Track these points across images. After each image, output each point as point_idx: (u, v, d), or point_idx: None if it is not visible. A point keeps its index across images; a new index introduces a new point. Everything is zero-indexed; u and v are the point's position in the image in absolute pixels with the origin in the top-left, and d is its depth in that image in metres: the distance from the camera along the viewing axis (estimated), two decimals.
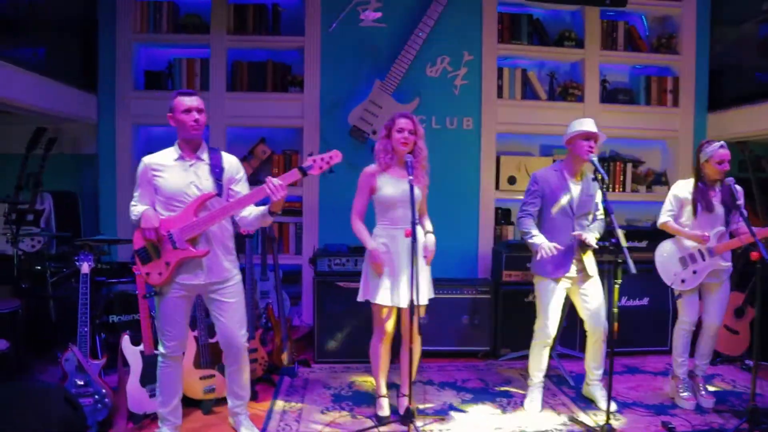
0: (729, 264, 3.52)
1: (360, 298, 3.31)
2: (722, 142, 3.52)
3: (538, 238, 3.30)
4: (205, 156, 2.83)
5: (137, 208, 2.77)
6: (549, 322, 3.43)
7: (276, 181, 2.62)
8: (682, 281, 3.53)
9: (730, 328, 4.35)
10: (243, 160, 4.78)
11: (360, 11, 4.80)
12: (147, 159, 2.80)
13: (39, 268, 4.03)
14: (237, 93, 4.85)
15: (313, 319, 4.27)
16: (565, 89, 4.96)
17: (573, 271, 3.38)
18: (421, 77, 4.84)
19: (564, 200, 3.36)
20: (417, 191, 3.19)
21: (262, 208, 2.79)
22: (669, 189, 3.76)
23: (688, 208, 3.54)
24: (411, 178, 2.97)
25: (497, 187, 4.92)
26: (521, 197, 3.57)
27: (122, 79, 4.79)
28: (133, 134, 4.86)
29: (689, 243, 3.53)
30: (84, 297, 3.25)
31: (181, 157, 2.77)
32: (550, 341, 3.50)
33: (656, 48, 5.10)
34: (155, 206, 2.78)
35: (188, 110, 2.73)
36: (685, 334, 3.58)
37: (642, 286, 4.43)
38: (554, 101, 4.99)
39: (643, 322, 4.50)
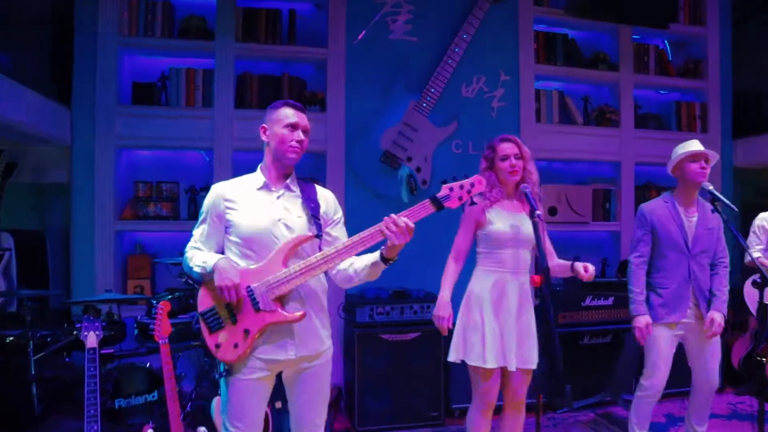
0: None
1: (453, 358, 2.71)
2: None
3: (641, 308, 2.90)
4: (295, 187, 2.16)
5: (202, 255, 2.07)
6: (659, 375, 2.99)
7: (403, 219, 1.97)
8: None
9: None
10: None
11: (389, 22, 4.26)
12: (220, 186, 2.14)
13: (12, 338, 3.02)
14: (246, 110, 4.11)
15: (351, 378, 3.60)
16: (601, 114, 4.67)
17: (690, 316, 2.98)
18: (456, 98, 4.37)
19: (677, 235, 2.97)
20: (530, 229, 2.68)
21: (370, 257, 2.11)
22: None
23: None
24: (539, 213, 2.44)
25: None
26: (563, 229, 3.15)
27: (104, 91, 3.89)
28: (116, 159, 3.97)
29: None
30: (92, 382, 2.42)
31: (266, 186, 2.11)
32: (659, 396, 3.06)
33: (683, 73, 4.96)
34: (224, 251, 2.11)
35: (293, 127, 2.09)
36: None
37: None
38: (589, 126, 4.68)
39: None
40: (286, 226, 2.06)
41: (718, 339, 3.04)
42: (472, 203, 2.08)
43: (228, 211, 2.06)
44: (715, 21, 4.99)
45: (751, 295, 3.41)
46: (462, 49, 4.23)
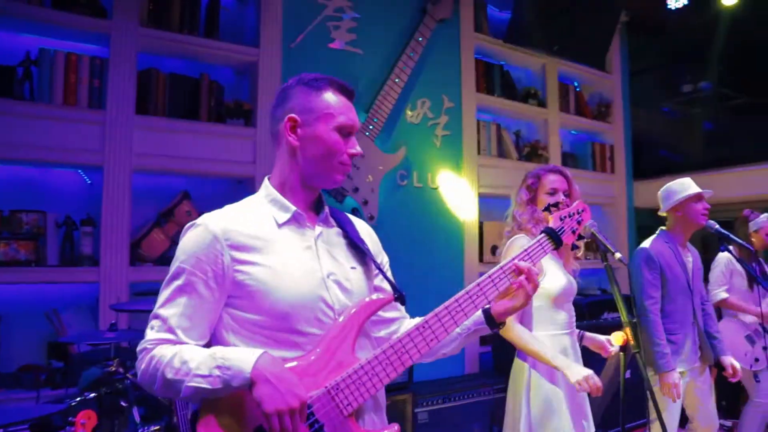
0: None
1: None
2: (767, 214, 3.47)
3: (671, 362, 2.64)
4: (332, 219, 1.42)
5: (201, 354, 1.16)
6: (674, 423, 2.76)
7: (527, 265, 1.34)
8: (756, 360, 3.27)
9: None
10: (156, 225, 3.10)
11: (331, 28, 3.61)
12: (216, 220, 1.27)
13: None
14: (152, 118, 3.09)
15: None
16: (533, 149, 4.53)
17: (697, 360, 2.80)
18: (402, 122, 3.85)
19: (684, 278, 2.80)
20: (574, 280, 2.27)
21: (471, 320, 1.41)
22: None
23: (736, 281, 3.38)
24: (620, 256, 2.00)
25: (480, 258, 4.13)
26: None
27: None
28: None
29: (750, 318, 3.31)
30: None
31: (294, 219, 1.33)
32: None
33: (596, 115, 5.08)
34: (224, 339, 1.26)
35: (350, 131, 1.35)
36: (761, 417, 3.31)
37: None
38: (522, 161, 4.49)
39: (629, 395, 4.20)
40: (341, 286, 1.31)
41: (711, 381, 2.93)
42: (580, 238, 1.56)
43: (240, 266, 1.22)
44: (618, 69, 5.24)
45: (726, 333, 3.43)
46: (410, 68, 3.75)
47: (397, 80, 3.69)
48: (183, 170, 3.18)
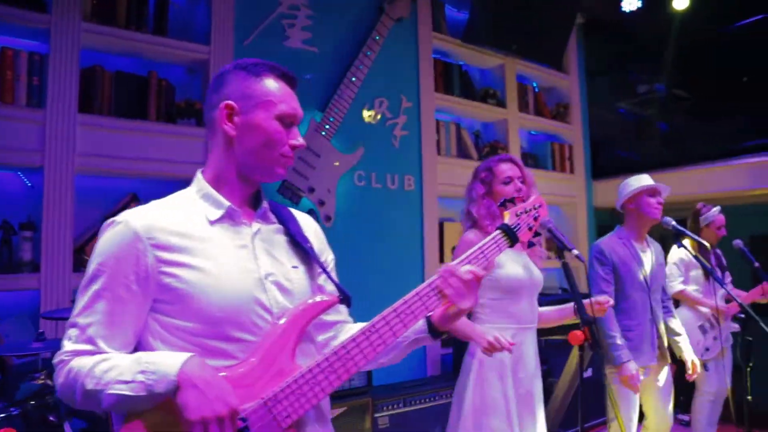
0: (737, 326, 3.46)
1: None
2: (719, 207, 3.54)
3: (626, 353, 2.64)
4: (271, 215, 1.34)
5: (123, 361, 1.08)
6: (633, 422, 2.77)
7: (468, 269, 1.25)
8: (707, 349, 3.33)
9: None
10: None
11: (286, 26, 3.53)
12: (138, 217, 1.17)
13: None
14: (96, 117, 2.95)
15: None
16: (493, 149, 4.53)
17: (654, 358, 2.82)
18: (359, 122, 3.79)
19: (639, 273, 2.81)
20: (540, 273, 2.26)
21: (411, 329, 1.35)
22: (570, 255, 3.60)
23: (693, 273, 3.44)
24: (577, 252, 1.97)
25: (441, 259, 4.10)
26: None
27: None
28: None
29: (704, 309, 3.38)
30: None
31: (229, 216, 1.24)
32: None
33: (555, 116, 5.12)
34: (152, 347, 1.16)
35: (291, 120, 1.25)
36: (711, 405, 3.38)
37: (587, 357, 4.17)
38: (482, 161, 4.46)
39: (590, 394, 4.23)
40: (280, 287, 1.23)
41: (671, 379, 2.95)
42: (536, 235, 1.53)
43: (166, 268, 1.14)
44: (575, 70, 5.29)
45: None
46: (367, 67, 3.70)
47: (353, 79, 3.63)
48: (131, 171, 3.05)
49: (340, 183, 3.61)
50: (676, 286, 3.43)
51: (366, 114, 3.82)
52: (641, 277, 2.82)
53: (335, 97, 3.57)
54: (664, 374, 2.90)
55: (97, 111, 2.98)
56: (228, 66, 1.30)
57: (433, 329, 1.34)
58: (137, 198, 3.10)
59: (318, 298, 1.25)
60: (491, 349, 1.90)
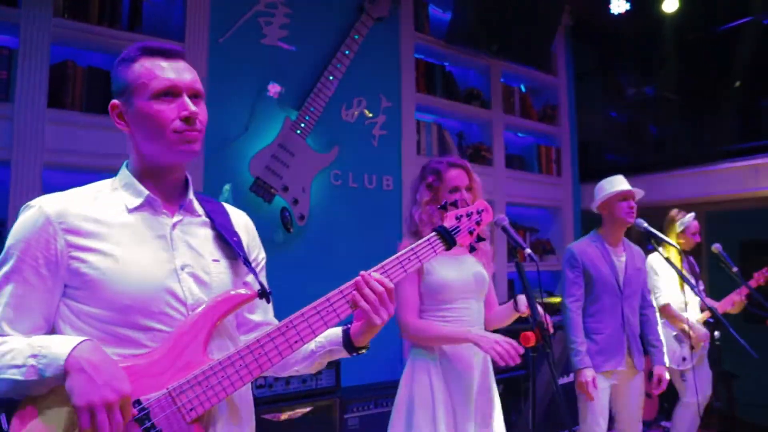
0: (717, 334, 3.42)
1: None
2: (693, 213, 3.50)
3: (585, 360, 2.62)
4: (198, 206, 1.32)
5: (17, 343, 1.05)
6: (600, 424, 2.73)
7: (378, 281, 1.26)
8: (683, 359, 3.29)
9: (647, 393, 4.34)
10: None
11: (263, 24, 3.52)
12: (51, 203, 1.16)
13: None
14: (65, 112, 2.95)
15: None
16: (476, 151, 4.50)
17: (623, 363, 2.78)
18: (337, 121, 3.77)
19: (611, 277, 2.78)
20: (485, 273, 2.22)
21: (324, 338, 1.35)
22: (556, 258, 3.54)
23: (671, 282, 3.40)
24: (529, 252, 1.94)
25: None
26: None
27: None
28: None
29: (677, 316, 3.34)
30: None
31: (148, 204, 1.23)
32: None
33: (542, 118, 5.09)
34: (62, 332, 1.15)
35: (169, 89, 1.19)
36: (691, 415, 3.33)
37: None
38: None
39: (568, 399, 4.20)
40: (197, 279, 1.21)
41: (643, 387, 2.91)
42: (479, 239, 1.51)
43: (76, 253, 1.13)
44: (563, 72, 5.26)
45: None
46: (345, 66, 3.68)
47: (331, 77, 3.62)
48: (102, 167, 3.02)
49: (316, 182, 3.59)
50: (661, 299, 3.39)
51: (344, 113, 3.80)
52: (613, 281, 2.79)
53: (312, 96, 3.55)
54: (636, 381, 2.86)
55: (68, 106, 2.98)
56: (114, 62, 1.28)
57: (349, 343, 1.33)
58: None
59: (233, 292, 1.23)
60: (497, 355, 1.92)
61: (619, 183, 2.87)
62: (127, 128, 1.23)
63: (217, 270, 1.26)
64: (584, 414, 2.73)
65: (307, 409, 2.89)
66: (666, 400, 4.60)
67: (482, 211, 1.50)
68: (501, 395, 2.22)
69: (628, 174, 4.70)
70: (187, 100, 1.20)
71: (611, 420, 2.90)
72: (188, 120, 1.19)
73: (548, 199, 5.00)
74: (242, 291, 1.24)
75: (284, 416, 2.80)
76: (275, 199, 3.40)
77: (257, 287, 1.30)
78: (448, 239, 1.40)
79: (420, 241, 1.38)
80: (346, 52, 3.72)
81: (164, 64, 1.21)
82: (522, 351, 1.96)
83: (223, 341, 1.23)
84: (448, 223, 1.44)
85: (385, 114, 4.00)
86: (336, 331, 1.34)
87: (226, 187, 3.28)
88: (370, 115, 3.88)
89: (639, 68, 5.18)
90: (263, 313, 1.40)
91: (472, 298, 2.16)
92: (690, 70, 4.93)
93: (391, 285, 1.26)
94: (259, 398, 2.78)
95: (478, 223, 1.48)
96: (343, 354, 1.34)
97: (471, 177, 2.26)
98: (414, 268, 1.36)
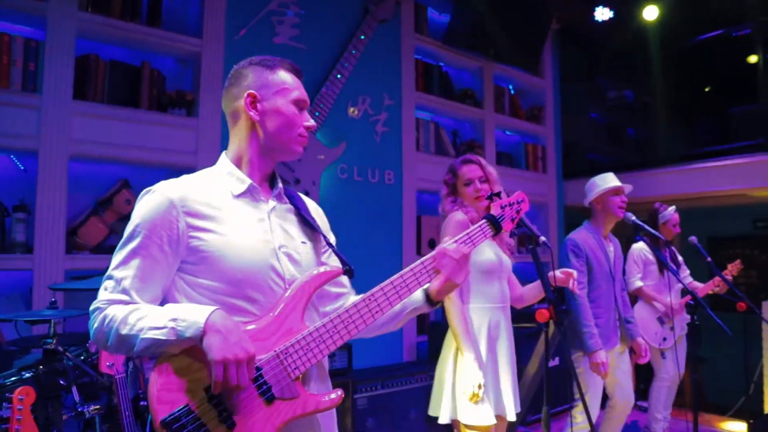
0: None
1: (445, 419, 2.30)
2: (674, 206, 3.80)
3: (598, 342, 2.86)
4: (284, 195, 1.50)
5: (156, 311, 1.21)
6: (597, 398, 3.00)
7: (458, 248, 1.45)
8: (664, 339, 3.58)
9: None
10: (94, 213, 3.07)
11: (275, 23, 3.66)
12: (173, 188, 1.32)
13: None
14: (91, 104, 3.04)
15: None
16: (470, 147, 4.72)
17: (617, 341, 3.05)
18: (343, 117, 3.95)
19: (606, 265, 3.04)
20: (507, 259, 2.45)
21: (409, 298, 1.54)
22: (541, 250, 3.82)
23: (651, 268, 3.68)
24: (544, 239, 2.18)
25: (418, 251, 4.28)
26: None
27: None
28: None
29: (654, 298, 3.64)
30: None
31: (250, 193, 1.40)
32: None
33: (529, 117, 5.35)
34: (177, 302, 1.32)
35: (302, 105, 1.43)
36: (667, 391, 3.64)
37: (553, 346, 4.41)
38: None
39: (555, 381, 4.46)
40: (291, 258, 1.39)
41: (630, 360, 3.18)
42: (518, 226, 1.73)
43: (195, 233, 1.28)
44: (550, 75, 5.54)
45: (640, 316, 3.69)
46: (352, 65, 3.86)
47: (339, 76, 3.79)
48: (122, 158, 3.15)
49: (324, 175, 3.76)
50: (635, 282, 3.67)
51: (350, 110, 3.97)
52: (608, 269, 3.05)
53: (321, 93, 3.72)
54: (625, 356, 3.14)
55: (92, 98, 3.08)
56: (242, 63, 1.45)
57: (430, 300, 1.53)
58: (128, 184, 3.19)
59: (324, 269, 1.41)
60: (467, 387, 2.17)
61: (611, 179, 3.13)
62: (256, 116, 1.39)
63: (305, 250, 1.45)
64: (584, 387, 2.99)
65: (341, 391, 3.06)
66: (642, 381, 4.94)
67: (522, 201, 1.71)
68: None
69: (607, 172, 5.04)
70: (307, 115, 1.44)
71: (605, 397, 3.17)
72: (308, 130, 1.44)
73: (534, 195, 5.27)
74: (330, 268, 1.42)
75: None
76: None
77: (334, 263, 1.52)
78: (495, 225, 1.60)
79: (473, 227, 1.57)
80: (353, 51, 3.89)
81: (298, 81, 1.45)
82: None
83: (311, 312, 1.41)
84: (495, 211, 1.64)
85: (387, 111, 4.19)
86: (416, 294, 1.53)
87: None
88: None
89: (620, 73, 5.50)
90: (342, 287, 1.59)
91: (503, 279, 2.41)
92: (667, 77, 5.26)
93: (468, 251, 1.47)
94: None
95: (518, 212, 1.69)
96: (425, 309, 1.55)
97: (485, 170, 2.47)
98: (468, 248, 1.54)
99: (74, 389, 1.82)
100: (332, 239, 1.62)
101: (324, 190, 3.76)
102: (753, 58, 4.88)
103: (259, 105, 1.38)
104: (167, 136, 3.26)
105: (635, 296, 3.74)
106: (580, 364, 3.05)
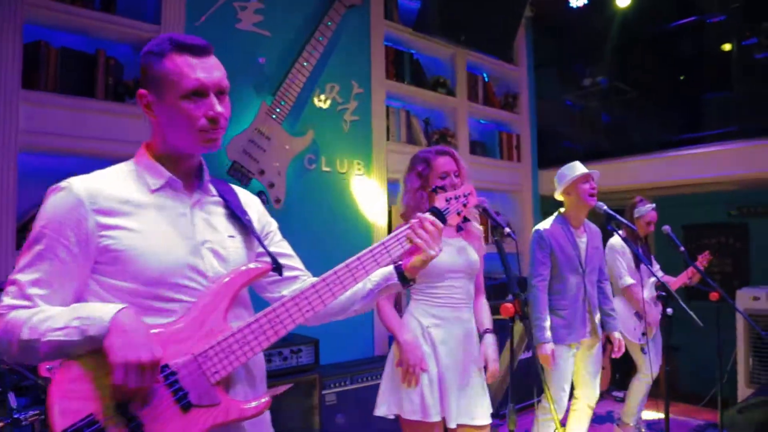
0: (670, 310, 3.70)
1: (384, 412, 2.25)
2: (653, 204, 3.76)
3: (546, 334, 2.88)
4: (213, 188, 1.42)
5: (58, 312, 1.13)
6: (564, 396, 2.97)
7: (431, 222, 1.43)
8: (643, 334, 3.56)
9: None
10: None
11: (237, 8, 3.55)
12: (81, 184, 1.23)
13: None
14: (41, 94, 2.92)
15: None
16: (442, 136, 4.66)
17: (586, 334, 3.03)
18: (310, 106, 3.85)
19: (575, 257, 3.00)
20: (475, 256, 2.38)
21: (377, 275, 1.49)
22: (515, 243, 3.79)
23: (630, 264, 3.65)
24: (509, 231, 2.13)
25: None
26: None
27: None
28: None
29: (639, 296, 3.60)
30: None
31: (169, 185, 1.31)
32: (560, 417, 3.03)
33: (504, 105, 5.29)
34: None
35: (198, 89, 1.24)
36: (648, 387, 3.63)
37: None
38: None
39: (527, 374, 4.44)
40: (216, 254, 1.31)
41: (600, 354, 3.16)
42: (465, 221, 1.67)
43: (106, 231, 1.20)
44: (524, 62, 5.47)
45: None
46: (319, 53, 3.75)
47: (305, 64, 3.69)
48: (77, 150, 3.03)
49: (291, 166, 3.67)
50: (627, 280, 3.64)
51: (317, 98, 3.87)
52: (577, 262, 3.01)
53: (286, 81, 3.61)
54: (596, 350, 3.11)
55: (42, 87, 2.94)
56: (142, 50, 1.32)
57: (402, 276, 1.48)
58: None
59: (252, 265, 1.34)
60: (402, 366, 2.15)
61: (579, 168, 3.08)
62: (154, 117, 1.29)
63: (234, 245, 1.36)
64: (549, 383, 2.96)
65: (290, 386, 2.99)
66: (618, 371, 4.95)
67: (468, 194, 1.62)
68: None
69: (583, 160, 4.99)
70: (214, 100, 1.26)
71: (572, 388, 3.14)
72: (213, 120, 1.26)
73: (509, 184, 5.23)
74: (258, 265, 1.35)
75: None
76: (252, 182, 3.46)
77: (286, 252, 1.53)
78: (440, 219, 1.51)
79: (414, 220, 1.49)
80: (320, 38, 3.78)
81: (193, 61, 1.24)
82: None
83: (239, 310, 1.33)
84: (440, 204, 1.55)
85: (357, 100, 4.10)
86: (385, 270, 1.48)
87: None
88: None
89: (594, 59, 5.45)
90: (295, 269, 1.53)
91: (461, 278, 2.31)
92: (641, 63, 5.23)
93: (441, 225, 1.44)
94: None
95: (464, 205, 1.60)
96: (399, 287, 1.50)
97: (458, 163, 2.39)
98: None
99: (11, 395, 1.74)
100: (274, 225, 1.55)
101: (291, 181, 3.67)
102: (727, 47, 4.85)
103: (153, 106, 1.27)
104: (124, 127, 3.14)
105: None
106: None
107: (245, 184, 3.42)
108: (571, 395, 3.15)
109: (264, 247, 1.42)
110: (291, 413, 3.07)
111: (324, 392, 3.29)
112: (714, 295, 3.31)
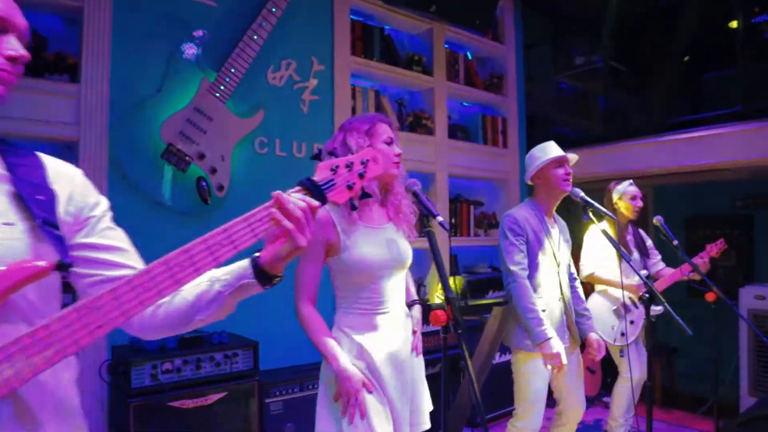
0: (660, 308, 3.32)
1: None
2: (630, 180, 3.38)
3: (549, 330, 2.45)
4: None
5: None
6: (538, 408, 2.60)
7: (301, 198, 1.07)
8: (622, 334, 3.19)
9: (589, 368, 4.27)
10: None
11: None
12: None
13: None
14: None
15: None
16: (417, 119, 4.28)
17: (566, 339, 2.65)
18: (262, 84, 3.50)
19: (550, 248, 2.63)
20: (408, 246, 2.02)
21: (228, 273, 1.14)
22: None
23: (610, 255, 3.27)
24: (441, 219, 1.75)
25: None
26: None
27: None
28: None
29: (619, 292, 3.22)
30: None
31: None
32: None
33: (488, 87, 4.89)
34: None
35: None
36: (630, 392, 3.24)
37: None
38: (404, 132, 4.22)
39: (505, 379, 4.10)
40: None
41: (581, 360, 2.79)
42: (364, 195, 1.29)
43: None
44: (512, 41, 5.06)
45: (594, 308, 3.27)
46: (271, 25, 3.39)
47: (255, 37, 3.33)
48: None
49: (237, 149, 3.33)
50: (585, 269, 3.26)
51: (271, 76, 3.52)
52: (551, 252, 2.64)
53: (233, 56, 3.26)
54: (575, 356, 2.73)
55: None
56: None
57: (260, 273, 1.11)
58: None
59: (27, 265, 0.99)
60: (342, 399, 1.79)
61: (552, 149, 2.69)
62: None
63: (7, 235, 1.02)
64: (524, 394, 2.59)
65: (221, 395, 2.67)
66: (609, 375, 4.56)
67: (367, 161, 1.19)
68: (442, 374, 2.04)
69: (576, 145, 4.60)
70: (12, 40, 1.02)
71: (552, 400, 2.77)
72: (10, 59, 1.01)
73: (493, 171, 4.84)
74: (38, 264, 0.99)
75: (193, 404, 2.58)
76: (191, 167, 3.13)
77: (116, 243, 1.17)
78: (315, 194, 1.12)
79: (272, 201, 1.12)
80: (273, 9, 3.42)
81: None
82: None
83: (6, 327, 0.98)
84: (320, 175, 1.15)
85: (317, 78, 3.74)
86: (239, 265, 1.13)
87: None
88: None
89: (588, 38, 5.02)
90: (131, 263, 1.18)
91: (394, 275, 1.94)
92: (638, 42, 4.80)
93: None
94: (164, 384, 2.55)
95: (361, 176, 1.18)
96: (257, 288, 1.12)
97: (397, 137, 2.00)
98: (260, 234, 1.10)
99: None
100: (99, 208, 1.20)
101: (238, 166, 3.33)
102: (734, 24, 4.41)
103: None
104: (44, 105, 2.81)
105: (587, 287, 3.34)
106: (520, 366, 2.66)
107: (183, 170, 3.09)
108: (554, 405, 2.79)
109: (52, 237, 1.07)
110: (227, 425, 2.74)
111: (268, 400, 2.97)
112: (710, 296, 2.92)
